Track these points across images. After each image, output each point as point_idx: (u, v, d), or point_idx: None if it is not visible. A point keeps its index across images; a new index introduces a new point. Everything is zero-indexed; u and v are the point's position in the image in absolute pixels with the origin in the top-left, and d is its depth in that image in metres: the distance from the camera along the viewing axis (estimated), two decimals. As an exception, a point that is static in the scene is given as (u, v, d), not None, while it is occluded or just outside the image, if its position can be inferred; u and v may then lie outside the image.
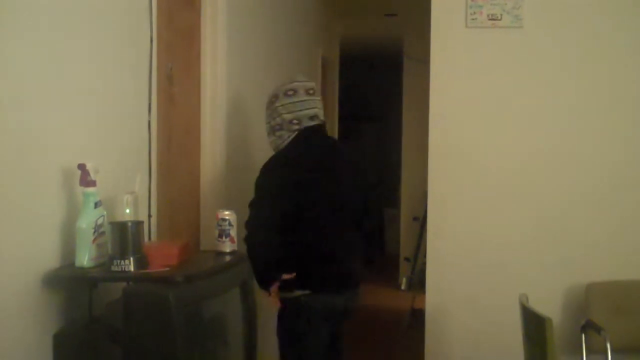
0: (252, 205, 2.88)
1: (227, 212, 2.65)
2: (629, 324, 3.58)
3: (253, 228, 2.81)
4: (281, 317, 2.96)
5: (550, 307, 3.24)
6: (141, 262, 2.16)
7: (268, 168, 2.96)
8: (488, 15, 3.87)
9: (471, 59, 3.93)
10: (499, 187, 3.90)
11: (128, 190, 2.39)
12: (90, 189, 2.16)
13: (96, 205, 2.18)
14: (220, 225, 2.62)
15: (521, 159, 3.88)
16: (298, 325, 2.88)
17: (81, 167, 2.15)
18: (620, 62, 3.81)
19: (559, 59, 3.85)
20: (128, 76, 2.61)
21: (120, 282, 2.14)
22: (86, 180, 2.15)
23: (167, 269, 2.18)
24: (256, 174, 3.90)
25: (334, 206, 2.94)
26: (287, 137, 2.98)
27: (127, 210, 2.33)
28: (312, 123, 2.98)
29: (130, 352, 1.98)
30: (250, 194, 3.59)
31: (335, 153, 3.10)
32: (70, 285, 2.19)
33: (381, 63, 8.54)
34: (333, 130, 7.01)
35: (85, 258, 2.14)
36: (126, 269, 2.12)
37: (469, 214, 3.93)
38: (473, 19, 3.89)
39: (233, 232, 2.62)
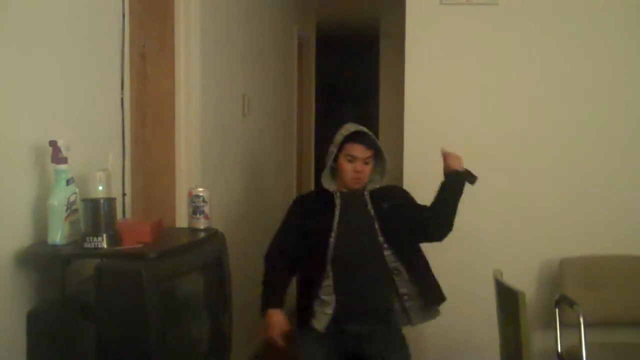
0: None
1: (200, 189, 2.64)
2: (602, 298, 3.63)
3: None
4: None
5: (524, 282, 3.27)
6: (114, 239, 2.15)
7: None
8: (463, -8, 3.87)
9: (446, 37, 3.93)
10: (475, 164, 3.91)
11: (100, 168, 2.37)
12: (62, 166, 2.15)
13: (68, 182, 2.16)
14: (194, 202, 2.60)
15: (496, 137, 3.90)
16: None
17: (53, 144, 2.13)
18: (596, 40, 3.82)
19: (534, 36, 3.86)
20: (100, 53, 2.58)
21: (92, 258, 2.13)
22: (58, 157, 2.14)
23: (140, 245, 2.17)
24: (231, 150, 3.90)
25: None
26: None
27: (100, 188, 2.32)
28: None
29: (103, 328, 1.98)
30: (225, 171, 3.58)
31: None
32: (42, 263, 2.18)
33: (358, 42, 8.51)
34: (310, 110, 7.00)
35: (57, 236, 2.13)
36: (99, 246, 2.12)
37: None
38: (448, -4, 3.88)
39: (207, 209, 2.61)
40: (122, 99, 2.70)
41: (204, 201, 2.61)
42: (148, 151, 3.05)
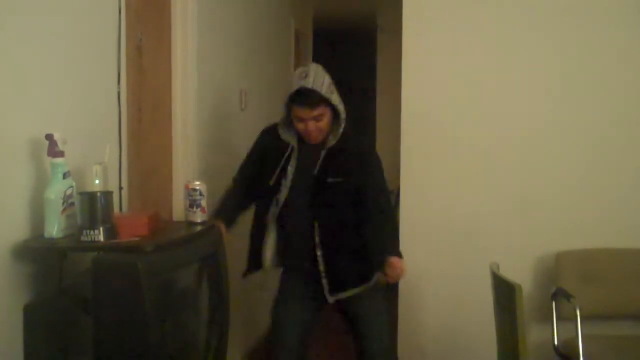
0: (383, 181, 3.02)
1: (197, 183, 2.64)
2: (598, 292, 3.64)
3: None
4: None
5: (521, 275, 3.27)
6: (111, 232, 2.15)
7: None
8: (461, -15, 3.87)
9: (444, 31, 3.92)
10: (471, 158, 3.92)
11: (97, 161, 2.37)
12: (59, 160, 2.15)
13: (65, 175, 2.16)
14: (191, 196, 2.61)
15: (492, 131, 3.90)
16: None
17: (49, 137, 2.13)
18: (595, 35, 3.81)
19: (532, 30, 3.85)
20: (97, 47, 2.58)
21: (89, 252, 2.13)
22: (54, 150, 2.14)
23: (137, 238, 2.17)
24: (229, 145, 3.89)
25: None
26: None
27: (97, 181, 2.31)
28: None
29: (100, 321, 1.98)
30: (222, 164, 3.58)
31: None
32: (39, 256, 2.18)
33: (355, 36, 8.51)
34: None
35: (54, 229, 2.13)
36: (96, 239, 2.12)
37: (441, 186, 3.95)
38: (445, -11, 3.88)
39: (204, 202, 2.61)
40: (118, 93, 2.70)
41: (200, 195, 2.62)
42: (145, 145, 3.05)
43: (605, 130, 3.83)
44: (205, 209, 2.62)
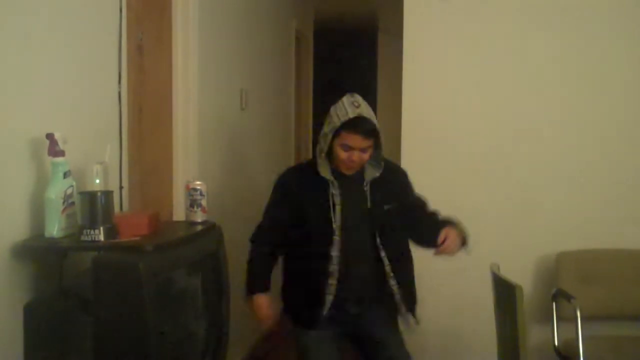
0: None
1: (198, 182, 2.64)
2: (598, 292, 3.64)
3: None
4: None
5: (521, 276, 3.27)
6: (111, 232, 2.15)
7: None
8: (461, -13, 3.87)
9: (444, 32, 3.93)
10: (471, 160, 3.93)
11: (98, 161, 2.36)
12: (59, 159, 2.15)
13: (65, 175, 2.16)
14: (192, 195, 2.61)
15: (492, 132, 3.90)
16: None
17: (50, 136, 2.13)
18: (595, 34, 3.82)
19: (534, 31, 3.86)
20: (97, 46, 2.58)
21: (90, 251, 2.13)
22: (54, 150, 2.13)
23: (138, 238, 2.17)
24: (229, 145, 3.89)
25: None
26: None
27: (97, 181, 2.31)
28: None
29: (101, 321, 1.98)
30: (223, 164, 3.59)
31: None
32: (40, 256, 2.18)
33: (356, 37, 8.51)
34: (307, 104, 6.99)
35: (54, 228, 2.13)
36: (96, 239, 2.11)
37: (442, 187, 3.94)
38: (446, -9, 3.88)
39: (204, 202, 2.61)
40: (119, 92, 2.70)
41: (201, 194, 2.61)
42: (145, 144, 3.05)
43: (606, 131, 3.84)
44: (206, 208, 2.62)
